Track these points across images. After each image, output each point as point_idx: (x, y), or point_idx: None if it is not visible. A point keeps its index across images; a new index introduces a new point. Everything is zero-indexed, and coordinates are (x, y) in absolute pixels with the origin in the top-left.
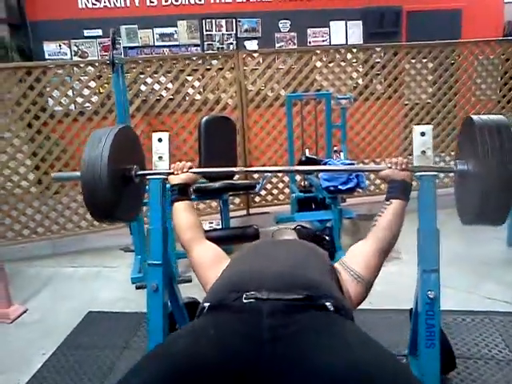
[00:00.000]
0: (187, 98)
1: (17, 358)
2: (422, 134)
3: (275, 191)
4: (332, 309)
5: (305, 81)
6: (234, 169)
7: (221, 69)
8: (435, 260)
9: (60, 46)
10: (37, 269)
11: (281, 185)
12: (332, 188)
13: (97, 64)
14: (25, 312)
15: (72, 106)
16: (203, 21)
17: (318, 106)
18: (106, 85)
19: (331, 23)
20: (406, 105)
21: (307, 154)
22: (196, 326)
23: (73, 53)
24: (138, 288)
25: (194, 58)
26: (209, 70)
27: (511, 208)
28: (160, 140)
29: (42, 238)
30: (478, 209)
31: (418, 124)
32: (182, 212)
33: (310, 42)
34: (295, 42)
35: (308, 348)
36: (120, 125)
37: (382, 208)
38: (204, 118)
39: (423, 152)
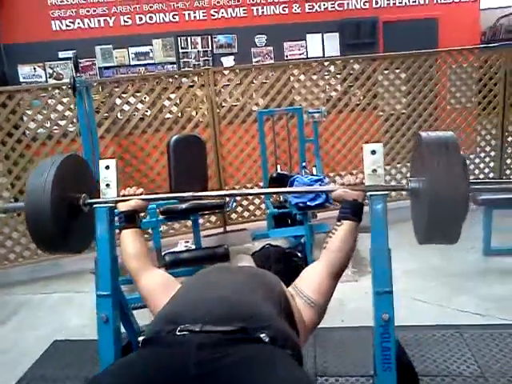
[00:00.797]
0: (158, 117)
1: None
2: (373, 152)
3: (252, 207)
4: (267, 340)
5: (277, 96)
6: (184, 194)
7: (191, 86)
8: (387, 281)
9: (35, 68)
10: (9, 296)
11: (257, 201)
12: (301, 204)
13: (64, 87)
14: None
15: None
16: (178, 38)
17: (290, 120)
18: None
19: (308, 36)
20: (381, 116)
21: (279, 170)
22: (125, 362)
23: (47, 75)
24: None
25: (164, 78)
26: (179, 88)
27: (461, 227)
28: (107, 167)
29: (15, 264)
30: (427, 228)
31: (392, 136)
32: (129, 240)
33: (286, 56)
34: (272, 56)
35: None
36: (65, 154)
37: (333, 229)
38: (173, 138)
39: (374, 170)
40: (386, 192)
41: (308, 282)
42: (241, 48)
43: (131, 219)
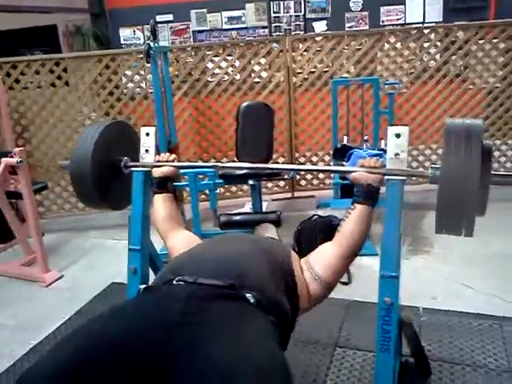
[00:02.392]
0: (234, 83)
1: (40, 320)
2: (397, 135)
3: (321, 175)
4: (252, 301)
5: (357, 65)
6: (218, 164)
7: (269, 53)
8: (395, 266)
9: (134, 31)
10: (85, 239)
11: None
12: None
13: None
14: (60, 278)
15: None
16: (271, 3)
17: (370, 91)
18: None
19: (407, 0)
20: (470, 89)
21: (344, 142)
22: (121, 306)
23: (145, 38)
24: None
25: (242, 44)
26: (256, 55)
27: (474, 219)
28: (147, 134)
29: (91, 211)
30: (437, 217)
31: (480, 112)
32: (159, 205)
33: (382, 21)
34: (367, 21)
35: (205, 338)
36: (113, 121)
37: (347, 212)
38: (243, 104)
39: (397, 155)
40: (404, 177)
41: (319, 259)
42: (334, 13)
43: (163, 185)
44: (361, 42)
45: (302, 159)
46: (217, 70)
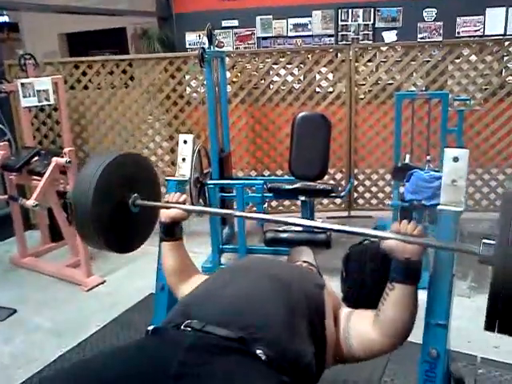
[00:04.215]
0: (293, 91)
1: (75, 325)
2: (455, 159)
3: (381, 195)
4: (264, 358)
5: (425, 77)
6: (229, 211)
7: (331, 62)
8: (444, 313)
9: (200, 36)
10: None
11: (388, 188)
12: (416, 202)
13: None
14: (102, 283)
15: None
16: (339, 10)
17: (437, 107)
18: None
19: (488, 10)
20: None
21: (406, 161)
22: (123, 348)
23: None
24: None
25: (303, 52)
26: (318, 63)
27: None
28: (185, 142)
29: None
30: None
31: None
32: (166, 254)
33: (458, 33)
34: (441, 32)
35: None
36: (124, 153)
37: (385, 293)
38: (299, 115)
39: (454, 181)
40: (460, 209)
41: (359, 330)
42: (405, 22)
43: (169, 231)
44: (430, 54)
45: (361, 176)
46: (276, 78)
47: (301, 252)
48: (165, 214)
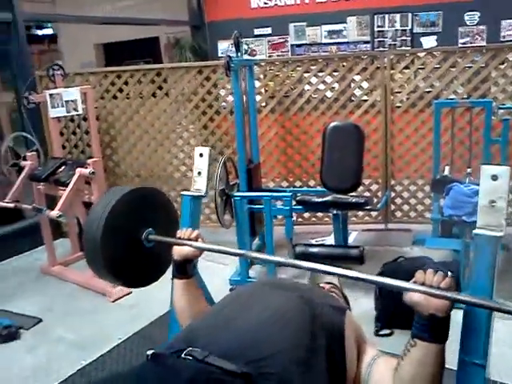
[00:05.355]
0: (325, 100)
1: (97, 337)
2: (494, 177)
3: (420, 207)
4: None
5: (467, 85)
6: (242, 251)
7: (365, 69)
8: (481, 352)
9: (232, 44)
10: None
11: (428, 201)
12: (456, 218)
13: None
14: (128, 295)
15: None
16: (375, 16)
17: (479, 115)
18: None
19: None
20: None
21: (446, 173)
22: (125, 375)
23: (243, 51)
24: (231, 290)
25: (336, 59)
26: (351, 70)
27: None
28: (201, 155)
29: None
30: None
31: None
32: (177, 293)
33: (503, 37)
34: (484, 36)
35: None
36: (142, 187)
37: (406, 348)
38: (330, 124)
39: (492, 202)
40: (500, 233)
41: (379, 378)
42: (446, 27)
43: (181, 269)
44: (472, 60)
45: (398, 187)
46: (307, 87)
47: (323, 277)
48: (177, 252)
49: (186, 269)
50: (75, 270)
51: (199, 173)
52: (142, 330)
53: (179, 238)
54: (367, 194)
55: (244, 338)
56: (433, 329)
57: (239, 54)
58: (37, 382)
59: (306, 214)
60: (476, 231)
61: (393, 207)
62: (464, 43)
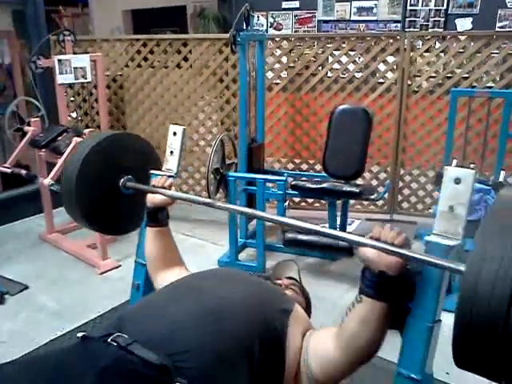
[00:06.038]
0: (339, 81)
1: (79, 308)
2: (457, 181)
3: (428, 200)
4: None
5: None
6: (210, 200)
7: (383, 50)
8: (418, 367)
9: (258, 17)
10: None
11: (437, 194)
12: None
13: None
14: (117, 267)
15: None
16: None
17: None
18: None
19: None
20: None
21: (452, 166)
22: (43, 356)
23: (268, 24)
24: None
25: (353, 39)
26: (368, 51)
27: None
28: (174, 134)
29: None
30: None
31: None
32: (149, 241)
33: None
34: None
35: None
36: (116, 132)
37: (352, 302)
38: (338, 108)
39: (451, 208)
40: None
41: (318, 351)
42: (484, 9)
43: (153, 217)
44: (498, 46)
45: (407, 178)
46: (321, 66)
47: (285, 267)
48: (150, 199)
49: (157, 217)
50: (71, 239)
51: (171, 152)
52: (122, 305)
53: (153, 186)
54: (374, 181)
55: (172, 330)
56: (380, 286)
57: (249, 27)
58: (11, 348)
59: (296, 199)
60: (428, 238)
61: (400, 198)
62: (502, 27)
